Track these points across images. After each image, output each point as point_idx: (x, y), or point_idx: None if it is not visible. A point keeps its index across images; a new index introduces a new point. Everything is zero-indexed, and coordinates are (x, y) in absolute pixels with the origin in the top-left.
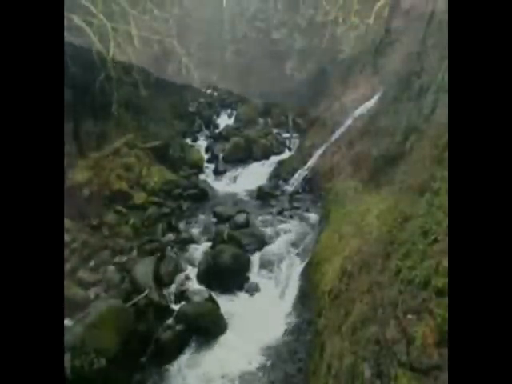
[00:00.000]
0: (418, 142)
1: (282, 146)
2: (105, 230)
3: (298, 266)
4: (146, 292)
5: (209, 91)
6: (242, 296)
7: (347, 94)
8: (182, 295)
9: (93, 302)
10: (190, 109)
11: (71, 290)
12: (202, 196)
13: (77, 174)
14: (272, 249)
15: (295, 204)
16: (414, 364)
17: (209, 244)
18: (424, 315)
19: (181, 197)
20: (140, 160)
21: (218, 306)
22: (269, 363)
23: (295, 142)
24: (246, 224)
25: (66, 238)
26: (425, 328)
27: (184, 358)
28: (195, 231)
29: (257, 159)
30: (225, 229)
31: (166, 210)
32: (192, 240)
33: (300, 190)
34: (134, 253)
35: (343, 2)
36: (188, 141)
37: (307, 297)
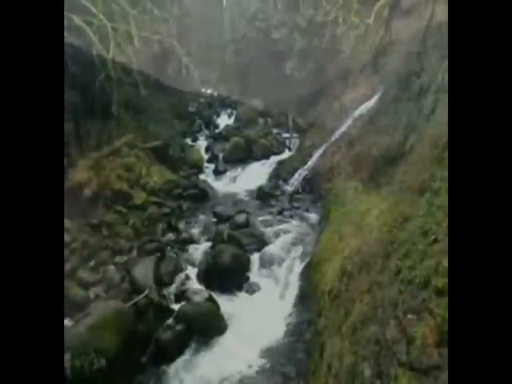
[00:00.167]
0: (418, 142)
1: (281, 146)
2: (105, 230)
3: (298, 266)
4: (146, 292)
5: (209, 91)
6: (242, 296)
7: (347, 94)
8: (182, 295)
9: (93, 302)
10: (190, 109)
11: (71, 290)
12: (202, 196)
13: (77, 174)
14: (272, 249)
15: (295, 204)
16: (414, 364)
17: (209, 244)
18: (424, 315)
19: (181, 197)
20: (140, 160)
21: (218, 306)
22: (268, 366)
23: (295, 142)
24: (246, 224)
25: (66, 238)
26: (425, 328)
27: (183, 359)
28: (195, 231)
29: (257, 159)
30: (225, 229)
31: (165, 209)
32: (192, 240)
33: (300, 190)
34: (134, 253)
35: (343, 2)
36: (188, 141)
37: (307, 297)
